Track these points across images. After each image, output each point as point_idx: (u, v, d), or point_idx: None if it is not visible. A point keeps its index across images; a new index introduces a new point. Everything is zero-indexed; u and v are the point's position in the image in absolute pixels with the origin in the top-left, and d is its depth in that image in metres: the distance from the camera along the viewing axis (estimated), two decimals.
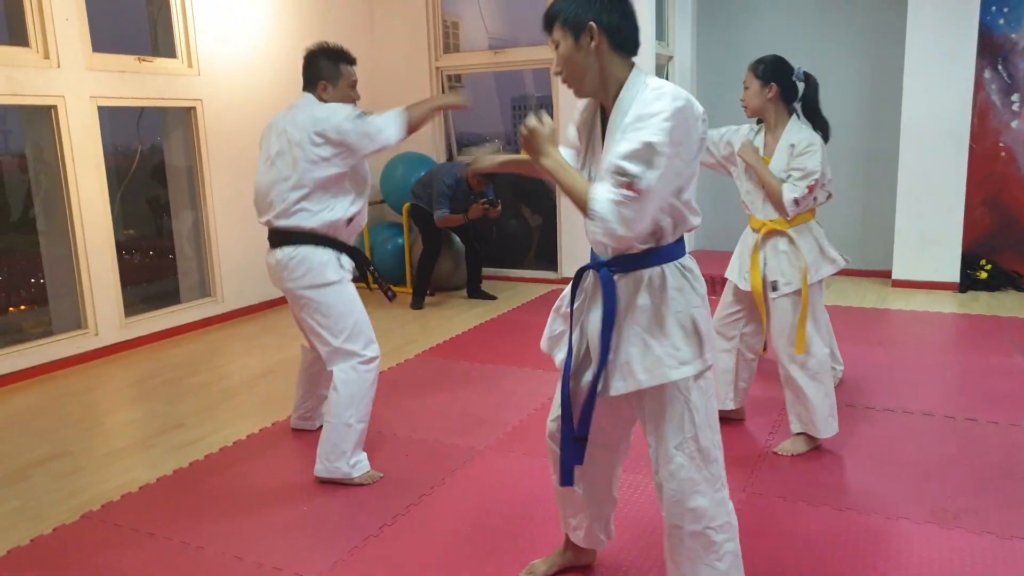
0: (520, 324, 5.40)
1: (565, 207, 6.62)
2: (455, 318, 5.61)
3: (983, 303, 5.42)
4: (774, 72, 2.95)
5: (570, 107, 6.29)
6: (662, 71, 6.77)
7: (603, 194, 1.65)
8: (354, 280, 3.05)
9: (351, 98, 2.93)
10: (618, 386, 1.82)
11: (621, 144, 1.65)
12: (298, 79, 2.98)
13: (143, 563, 2.46)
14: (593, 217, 1.66)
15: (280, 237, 2.89)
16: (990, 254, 5.82)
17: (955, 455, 3.03)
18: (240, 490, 2.95)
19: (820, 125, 3.01)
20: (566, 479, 1.99)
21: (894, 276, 5.93)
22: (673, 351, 1.78)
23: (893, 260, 5.90)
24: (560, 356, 2.01)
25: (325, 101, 2.88)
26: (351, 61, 2.95)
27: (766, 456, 3.09)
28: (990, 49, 5.61)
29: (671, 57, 6.80)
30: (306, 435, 3.40)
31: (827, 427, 3.03)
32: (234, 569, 2.40)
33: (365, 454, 2.97)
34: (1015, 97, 5.63)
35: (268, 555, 2.47)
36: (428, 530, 2.61)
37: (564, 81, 1.81)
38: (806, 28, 6.38)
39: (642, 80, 1.74)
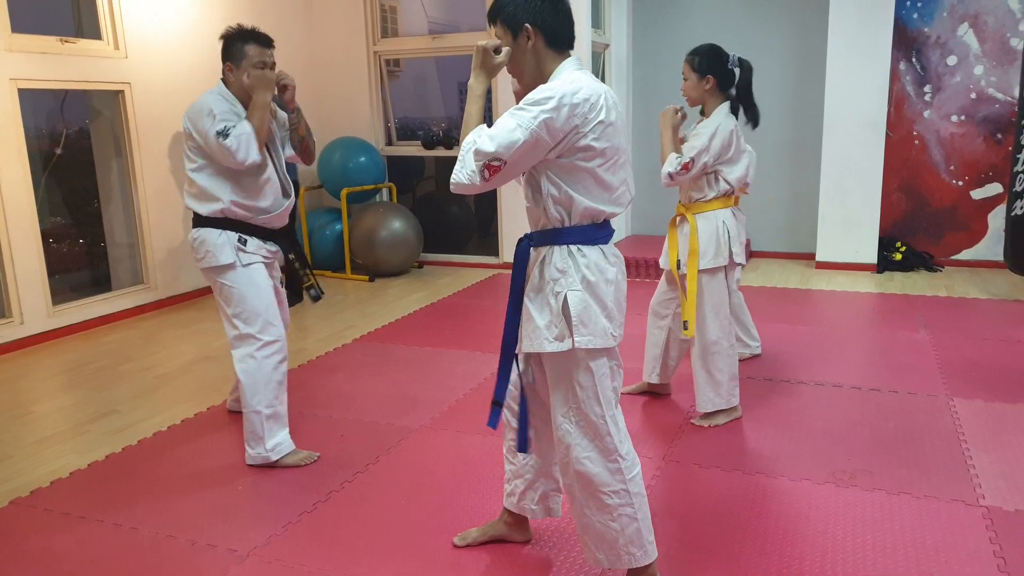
0: (460, 308, 5.49)
1: (506, 193, 6.71)
2: (394, 303, 5.66)
3: (897, 283, 5.73)
4: (711, 64, 3.07)
5: (508, 92, 6.39)
6: (599, 59, 6.90)
7: (469, 145, 1.86)
8: (283, 268, 3.11)
9: None
10: (522, 345, 2.03)
11: (504, 116, 1.85)
12: None
13: (74, 546, 2.48)
14: (458, 161, 1.87)
15: (194, 218, 2.97)
16: (904, 236, 6.15)
17: (858, 422, 3.25)
18: (174, 473, 2.98)
19: (750, 112, 3.14)
20: (521, 445, 2.18)
21: (817, 258, 6.21)
22: (548, 326, 1.96)
23: (817, 243, 6.18)
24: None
25: (231, 83, 2.90)
26: (262, 42, 2.88)
27: (686, 427, 3.26)
28: (905, 42, 5.90)
29: (607, 45, 6.94)
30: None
31: (705, 402, 3.22)
32: (167, 548, 2.45)
33: (286, 436, 3.00)
34: (927, 88, 5.93)
35: (202, 533, 2.52)
36: (362, 505, 2.69)
37: (508, 71, 2.01)
38: (736, 20, 6.58)
39: (564, 72, 1.93)
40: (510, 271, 2.13)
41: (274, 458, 2.95)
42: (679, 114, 3.12)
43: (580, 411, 1.98)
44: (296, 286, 3.21)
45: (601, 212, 1.96)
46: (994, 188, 5.90)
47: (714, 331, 3.17)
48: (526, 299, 2.01)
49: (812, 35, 6.20)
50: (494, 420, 2.14)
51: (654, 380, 3.51)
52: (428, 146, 7.10)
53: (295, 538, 2.48)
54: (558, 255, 1.95)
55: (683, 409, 3.46)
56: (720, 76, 3.08)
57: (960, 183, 5.98)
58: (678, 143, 3.11)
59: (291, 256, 3.13)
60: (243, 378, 2.90)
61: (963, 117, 5.87)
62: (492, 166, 1.81)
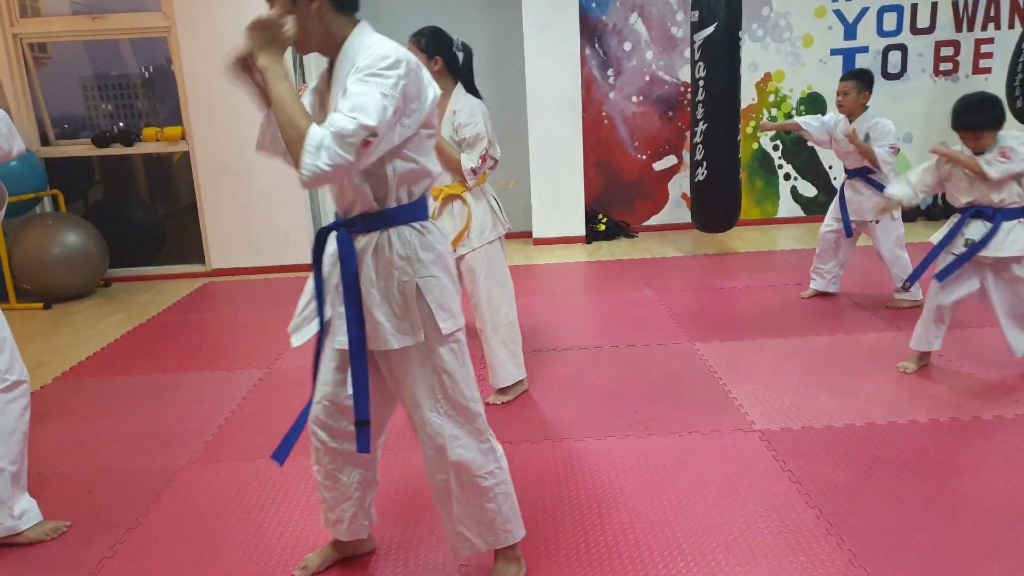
0: (175, 326, 4.81)
1: (207, 190, 6.02)
2: (88, 330, 4.77)
3: (605, 250, 6.29)
4: (438, 45, 3.00)
5: (197, 83, 5.71)
6: None
7: (327, 129, 1.55)
8: None
9: None
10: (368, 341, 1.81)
11: (351, 92, 1.60)
12: None
13: None
14: (305, 156, 1.54)
15: None
16: (604, 209, 6.77)
17: (628, 377, 3.48)
18: None
19: (474, 95, 3.16)
20: (363, 445, 1.88)
21: (534, 235, 6.57)
22: (393, 319, 1.78)
23: (532, 221, 6.53)
24: (307, 331, 1.89)
25: None
26: None
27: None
28: (588, 29, 6.45)
29: None
30: None
31: (508, 376, 3.24)
32: None
33: (32, 501, 2.38)
34: (610, 71, 6.57)
35: None
36: (149, 565, 2.20)
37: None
38: (433, 5, 6.63)
39: (367, 35, 1.74)
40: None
41: (23, 527, 2.30)
42: None
43: (451, 400, 1.84)
44: None
45: (425, 185, 1.83)
46: (670, 160, 6.75)
47: (504, 303, 3.17)
48: (363, 292, 1.78)
49: (507, 21, 6.48)
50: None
51: None
52: (101, 144, 6.11)
53: None
54: (397, 240, 1.76)
55: None
56: (448, 57, 3.06)
57: (644, 157, 6.74)
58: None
59: None
60: None
61: (641, 98, 6.61)
62: (368, 141, 1.56)
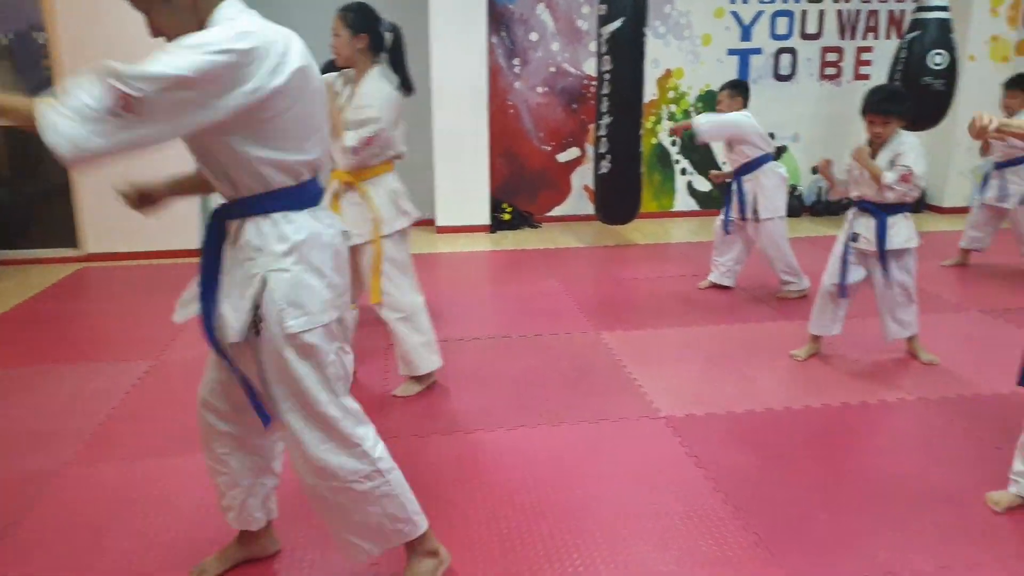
0: (48, 315, 4.44)
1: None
2: None
3: (510, 240, 6.29)
4: (364, 21, 2.88)
5: (75, 51, 5.28)
6: None
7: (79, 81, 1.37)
8: None
9: None
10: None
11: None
12: None
13: None
14: (44, 133, 1.32)
15: None
16: (509, 198, 6.76)
17: (538, 366, 3.48)
18: None
19: (404, 78, 3.05)
20: (265, 419, 1.78)
21: (438, 224, 6.47)
22: (236, 312, 1.65)
23: (435, 210, 6.43)
24: (188, 312, 1.77)
25: None
26: None
27: (388, 400, 3.11)
28: (495, 18, 6.40)
29: None
30: None
31: (425, 363, 3.18)
32: None
33: None
34: (516, 61, 6.55)
35: None
36: None
37: (163, 34, 1.57)
38: None
39: (229, 11, 1.57)
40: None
41: None
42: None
43: (305, 404, 1.71)
44: None
45: (306, 166, 1.66)
46: (574, 152, 6.81)
47: (410, 292, 3.08)
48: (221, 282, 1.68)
49: (413, 6, 6.33)
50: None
51: None
52: None
53: None
54: (252, 229, 1.64)
55: (375, 383, 3.30)
56: (373, 36, 2.95)
57: (548, 148, 6.77)
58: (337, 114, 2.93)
59: None
60: None
61: (546, 89, 6.62)
62: (125, 95, 1.35)
